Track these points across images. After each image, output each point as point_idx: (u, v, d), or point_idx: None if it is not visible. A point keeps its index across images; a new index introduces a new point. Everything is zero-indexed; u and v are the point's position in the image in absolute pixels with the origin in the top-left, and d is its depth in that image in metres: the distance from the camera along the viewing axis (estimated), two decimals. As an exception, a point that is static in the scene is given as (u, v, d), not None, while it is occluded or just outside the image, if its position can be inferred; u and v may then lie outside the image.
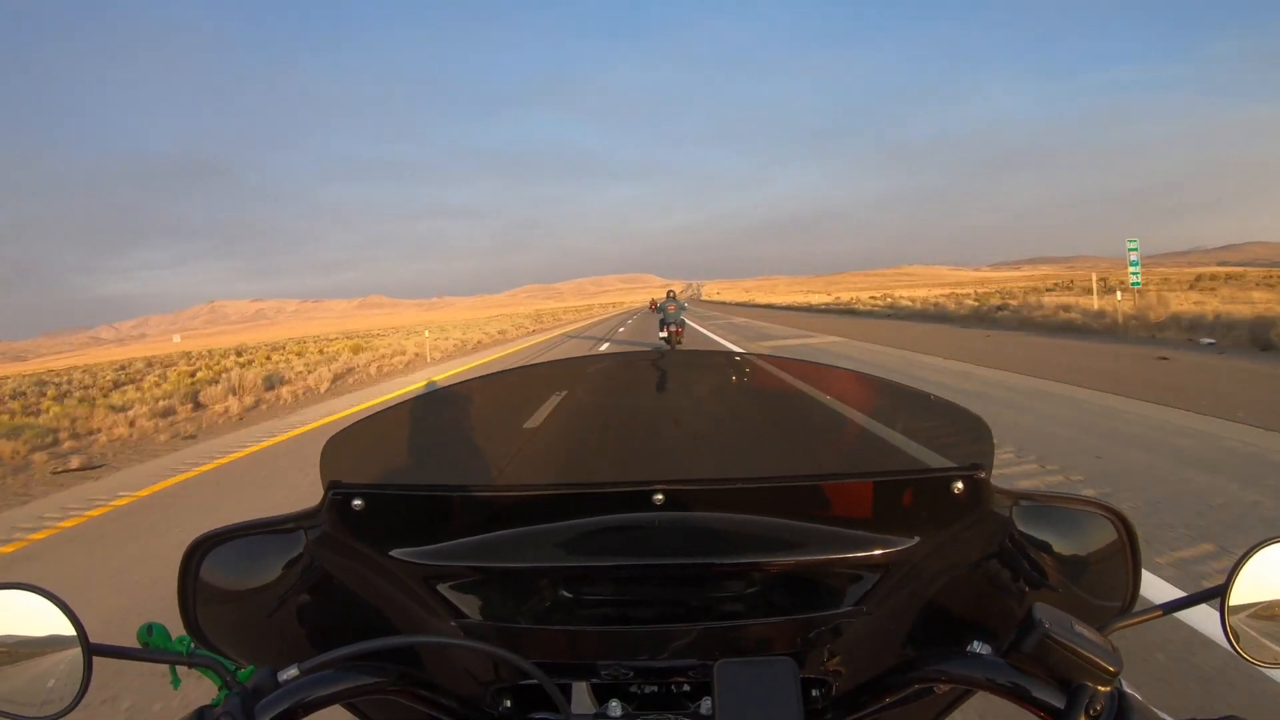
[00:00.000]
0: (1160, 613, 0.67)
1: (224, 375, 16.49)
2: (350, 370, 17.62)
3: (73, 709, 0.64)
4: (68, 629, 0.64)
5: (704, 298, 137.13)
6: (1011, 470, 4.73)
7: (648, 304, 52.48)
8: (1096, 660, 0.57)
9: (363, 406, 10.52)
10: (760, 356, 1.07)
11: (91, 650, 0.64)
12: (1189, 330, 12.54)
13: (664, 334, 15.53)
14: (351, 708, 0.78)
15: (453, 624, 0.81)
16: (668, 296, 15.89)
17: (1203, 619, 2.47)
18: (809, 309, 43.11)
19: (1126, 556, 0.78)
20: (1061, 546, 0.80)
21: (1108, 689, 0.57)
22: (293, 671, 0.62)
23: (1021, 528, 0.79)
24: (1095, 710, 0.56)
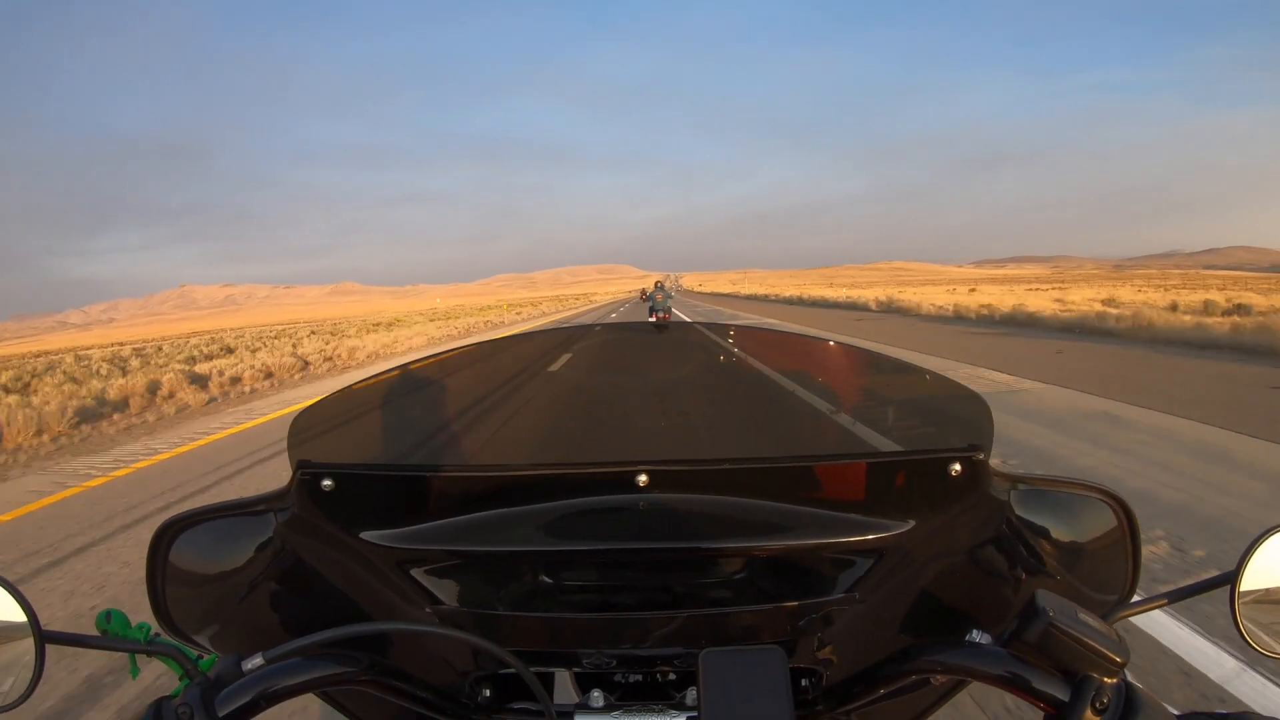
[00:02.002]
0: (1165, 601, 0.65)
1: None
2: None
3: (24, 700, 0.61)
4: (18, 616, 0.61)
5: (685, 288, 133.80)
6: None
7: (638, 294, 55.21)
8: (1103, 650, 0.54)
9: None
10: (748, 329, 1.04)
11: (44, 638, 0.61)
12: None
13: (653, 320, 17.86)
14: (325, 697, 0.75)
15: (428, 610, 0.78)
16: (656, 287, 18.67)
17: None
18: (949, 315, 20.37)
19: (1126, 543, 0.76)
20: (1059, 532, 0.77)
21: (1114, 681, 0.55)
22: (257, 660, 0.59)
23: (1019, 512, 0.77)
24: (1101, 703, 0.53)
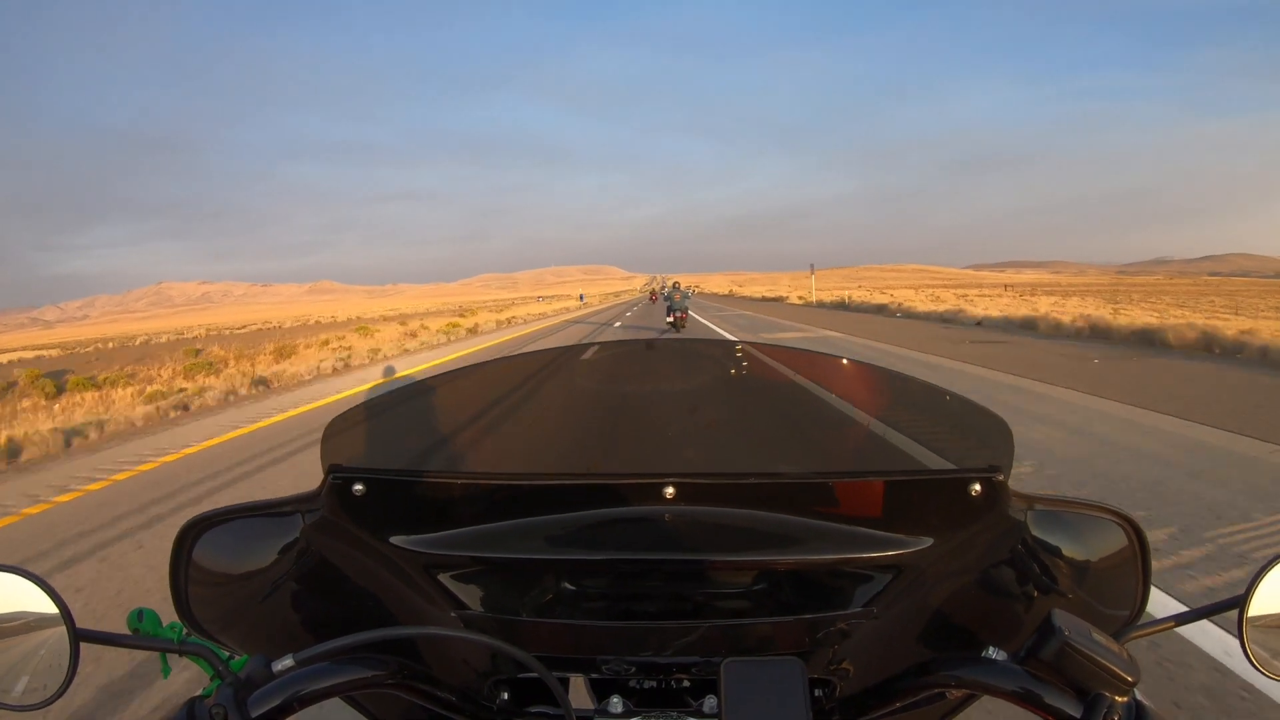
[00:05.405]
0: (1174, 624, 0.67)
1: None
2: None
3: (58, 697, 0.62)
4: (53, 613, 0.62)
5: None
6: None
7: (647, 296, 57.81)
8: (1115, 670, 0.56)
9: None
10: (766, 346, 1.05)
11: (78, 636, 0.62)
12: None
13: (670, 319, 19.43)
14: (348, 699, 0.76)
15: (453, 615, 0.79)
16: (673, 287, 20.14)
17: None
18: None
19: (1137, 564, 0.77)
20: (1072, 552, 0.79)
21: (1125, 699, 0.57)
22: (288, 662, 0.61)
23: (1034, 531, 0.78)
24: None
